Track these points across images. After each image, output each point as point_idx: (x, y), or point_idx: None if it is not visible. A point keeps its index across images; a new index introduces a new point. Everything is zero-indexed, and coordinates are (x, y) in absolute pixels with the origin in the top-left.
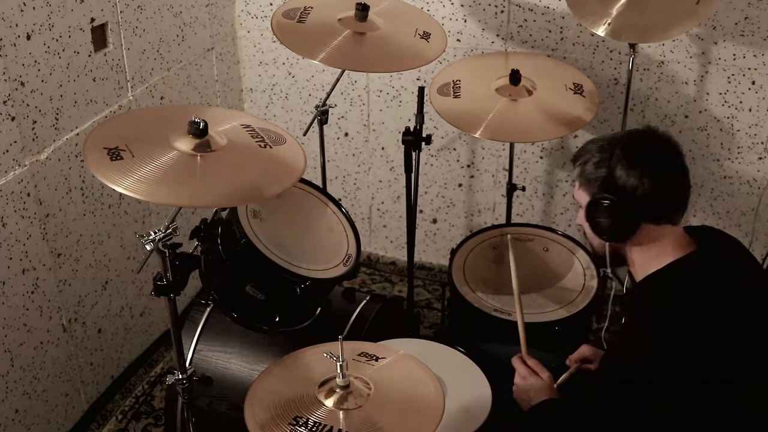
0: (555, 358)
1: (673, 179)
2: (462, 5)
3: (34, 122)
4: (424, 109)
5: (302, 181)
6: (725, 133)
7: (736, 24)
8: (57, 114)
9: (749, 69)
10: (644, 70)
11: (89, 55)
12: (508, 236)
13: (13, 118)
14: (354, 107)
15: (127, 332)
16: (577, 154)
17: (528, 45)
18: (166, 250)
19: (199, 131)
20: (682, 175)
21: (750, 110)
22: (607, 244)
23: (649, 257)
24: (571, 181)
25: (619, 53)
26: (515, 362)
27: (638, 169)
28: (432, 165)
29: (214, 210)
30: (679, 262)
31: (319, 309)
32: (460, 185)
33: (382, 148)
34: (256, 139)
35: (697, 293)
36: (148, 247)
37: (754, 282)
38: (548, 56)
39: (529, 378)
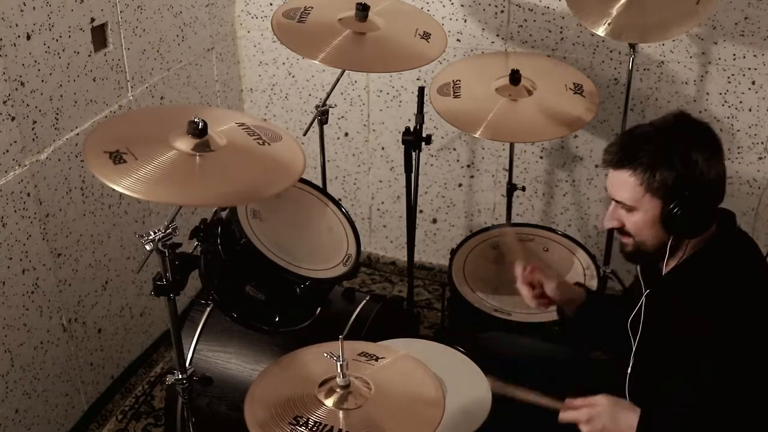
0: (557, 354)
1: (722, 153)
2: (462, 5)
3: (34, 122)
4: (424, 109)
5: (302, 181)
6: (725, 133)
7: (736, 24)
8: (57, 114)
9: (749, 69)
10: (644, 70)
11: (89, 55)
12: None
13: (13, 118)
14: (354, 107)
15: (127, 332)
16: (621, 159)
17: (528, 45)
18: (166, 250)
19: (199, 131)
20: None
21: (750, 110)
22: (671, 240)
23: (696, 240)
24: (602, 187)
25: (619, 53)
26: (566, 416)
27: (705, 157)
28: (432, 165)
29: (214, 210)
30: (719, 237)
31: (319, 309)
32: (460, 185)
33: (382, 148)
34: (254, 137)
35: (752, 254)
36: (148, 247)
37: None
38: (548, 56)
39: (599, 414)
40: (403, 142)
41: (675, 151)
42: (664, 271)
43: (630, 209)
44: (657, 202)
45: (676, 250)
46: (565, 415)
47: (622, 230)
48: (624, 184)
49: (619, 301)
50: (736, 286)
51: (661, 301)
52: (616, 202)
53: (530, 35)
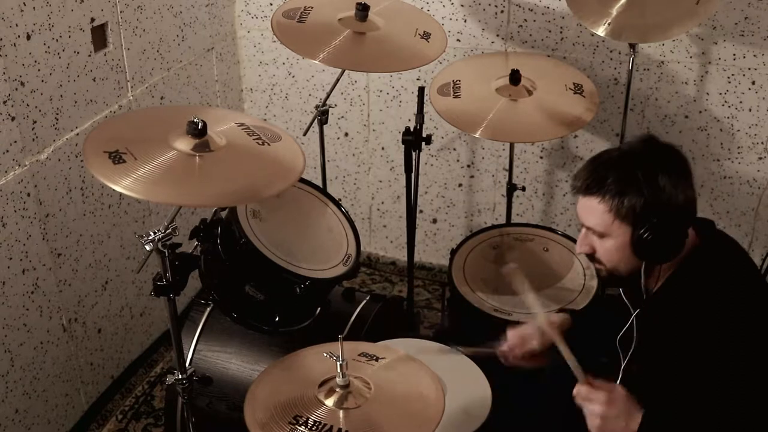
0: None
1: (691, 177)
2: (462, 5)
3: (34, 122)
4: (424, 109)
5: (302, 181)
6: (725, 133)
7: (736, 24)
8: (57, 114)
9: (749, 69)
10: (644, 70)
11: (89, 55)
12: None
13: (13, 118)
14: (354, 107)
15: (127, 332)
16: (589, 186)
17: (528, 45)
18: (166, 250)
19: (198, 131)
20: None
21: (750, 110)
22: (644, 265)
23: (673, 261)
24: (572, 213)
25: (619, 53)
26: (584, 391)
27: (673, 182)
28: (432, 165)
29: (213, 210)
30: (699, 250)
31: (319, 309)
32: (460, 185)
33: (382, 148)
34: (254, 137)
35: (736, 262)
36: (147, 247)
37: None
38: (548, 56)
39: (616, 401)
40: (403, 142)
41: (642, 177)
42: (653, 288)
43: (601, 235)
44: (626, 228)
45: (651, 271)
46: (582, 390)
47: (593, 257)
48: (593, 210)
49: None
50: (725, 297)
51: (651, 321)
52: (587, 228)
53: (530, 35)
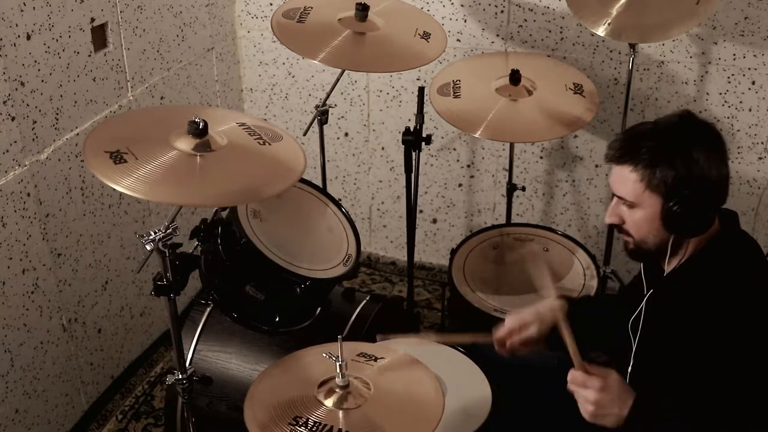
0: (555, 356)
1: (725, 155)
2: (462, 5)
3: (34, 122)
4: (424, 109)
5: (302, 181)
6: (725, 133)
7: (736, 24)
8: (57, 114)
9: (749, 69)
10: (644, 70)
11: (89, 55)
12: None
13: (13, 118)
14: (354, 107)
15: (127, 332)
16: (623, 155)
17: (528, 45)
18: (166, 250)
19: (199, 131)
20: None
21: (750, 110)
22: (672, 239)
23: (697, 240)
24: (606, 184)
25: (619, 53)
26: (579, 377)
27: (706, 157)
28: (432, 165)
29: (214, 210)
30: (719, 237)
31: (319, 309)
32: (460, 185)
33: (382, 148)
34: (254, 137)
35: (752, 256)
36: (148, 247)
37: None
38: (548, 56)
39: (611, 387)
40: (403, 142)
41: (676, 150)
42: (666, 270)
43: (631, 205)
44: (657, 200)
45: (677, 249)
46: (577, 375)
47: (621, 228)
48: (625, 179)
49: (608, 301)
50: (738, 286)
51: (663, 302)
52: (618, 198)
53: (530, 35)
